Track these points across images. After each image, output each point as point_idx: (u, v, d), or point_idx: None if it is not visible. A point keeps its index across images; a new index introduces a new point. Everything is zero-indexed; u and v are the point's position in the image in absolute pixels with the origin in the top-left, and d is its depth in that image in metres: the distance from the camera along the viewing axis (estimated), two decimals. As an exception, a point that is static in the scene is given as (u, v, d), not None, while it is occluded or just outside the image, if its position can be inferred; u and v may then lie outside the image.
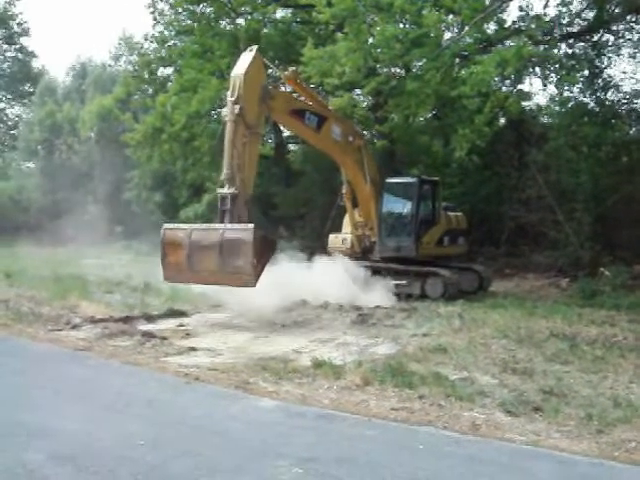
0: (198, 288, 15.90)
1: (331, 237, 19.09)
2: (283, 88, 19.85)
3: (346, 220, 18.81)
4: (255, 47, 14.38)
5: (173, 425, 6.82)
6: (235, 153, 13.36)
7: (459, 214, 19.26)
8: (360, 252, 18.17)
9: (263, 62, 14.92)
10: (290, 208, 29.00)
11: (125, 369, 9.40)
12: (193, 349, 10.52)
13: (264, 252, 12.76)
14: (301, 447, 6.10)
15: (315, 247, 18.85)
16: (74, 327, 12.30)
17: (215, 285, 13.47)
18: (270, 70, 15.72)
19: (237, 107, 13.35)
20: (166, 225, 13.89)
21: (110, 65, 51.60)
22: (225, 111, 13.76)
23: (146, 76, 30.26)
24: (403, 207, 18.09)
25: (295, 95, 17.27)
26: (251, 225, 12.60)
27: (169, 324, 12.84)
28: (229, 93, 13.73)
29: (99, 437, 6.34)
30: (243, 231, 12.53)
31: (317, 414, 7.16)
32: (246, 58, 14.07)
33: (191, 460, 5.75)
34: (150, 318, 13.21)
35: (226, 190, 13.22)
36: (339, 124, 16.81)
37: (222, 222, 13.13)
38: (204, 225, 13.59)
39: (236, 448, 6.08)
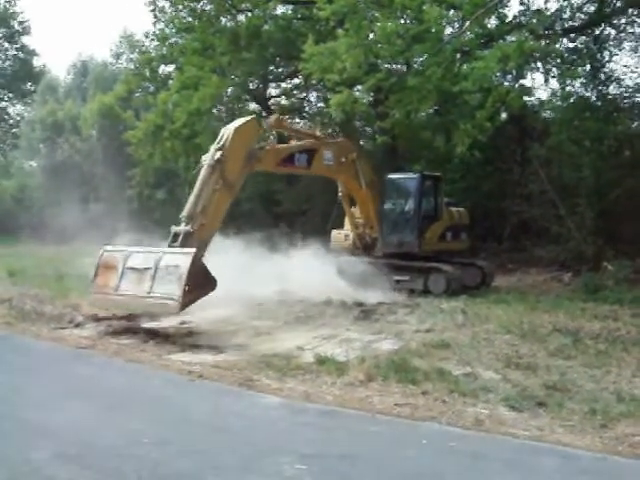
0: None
1: (334, 233, 19.12)
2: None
3: (347, 217, 18.84)
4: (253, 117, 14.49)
5: (177, 422, 6.83)
6: (203, 196, 12.76)
7: (461, 209, 19.26)
8: (362, 248, 18.21)
9: (258, 126, 14.81)
10: (292, 205, 29.02)
11: (128, 367, 9.42)
12: (196, 346, 10.54)
13: (200, 284, 11.41)
14: (305, 444, 6.11)
15: (317, 244, 18.80)
16: (77, 325, 12.36)
17: (136, 311, 12.87)
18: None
19: (218, 153, 13.01)
20: (106, 247, 13.04)
21: (111, 63, 51.76)
22: (205, 157, 13.32)
23: (147, 74, 30.23)
24: (405, 203, 18.09)
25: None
26: (192, 250, 11.57)
27: (172, 322, 12.82)
28: (215, 142, 13.44)
29: (103, 435, 6.36)
30: (182, 255, 11.55)
31: (320, 411, 7.17)
32: (242, 119, 14.19)
33: (195, 457, 5.77)
34: (153, 316, 13.20)
35: (181, 227, 12.42)
36: (329, 149, 16.72)
37: None
38: (146, 248, 12.50)
39: (240, 445, 6.09)
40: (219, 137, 13.52)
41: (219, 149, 13.13)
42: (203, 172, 13.03)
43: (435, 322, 12.37)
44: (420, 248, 17.40)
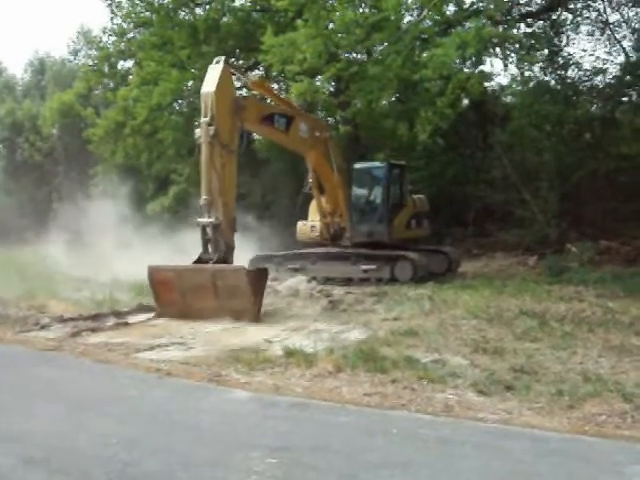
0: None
1: (299, 225, 19.08)
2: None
3: (312, 207, 18.79)
4: (222, 59, 13.72)
5: (146, 422, 6.77)
6: (215, 176, 12.93)
7: (421, 196, 19.44)
8: (329, 239, 18.21)
9: (231, 74, 14.43)
10: (257, 197, 28.92)
11: (96, 367, 9.30)
12: (164, 344, 10.45)
13: (259, 285, 12.57)
14: (275, 437, 6.08)
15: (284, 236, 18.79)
16: (43, 327, 12.15)
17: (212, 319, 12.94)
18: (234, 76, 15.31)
19: (212, 129, 12.89)
20: (150, 265, 13.26)
21: (69, 60, 50.91)
22: (199, 132, 13.25)
23: (106, 70, 29.93)
24: (374, 192, 18.19)
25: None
26: (243, 267, 12.69)
27: (139, 319, 12.73)
28: (202, 113, 13.25)
29: (71, 438, 6.27)
30: (235, 273, 12.49)
31: (290, 403, 7.15)
32: (214, 73, 13.44)
33: (165, 456, 5.71)
34: (120, 314, 13.08)
35: (206, 219, 12.91)
36: (305, 120, 16.72)
37: (206, 251, 13.04)
38: (191, 266, 12.99)
39: (210, 441, 6.05)
40: (203, 107, 13.22)
41: (209, 124, 12.95)
42: (204, 152, 13.03)
43: (402, 310, 12.41)
44: (390, 237, 17.50)
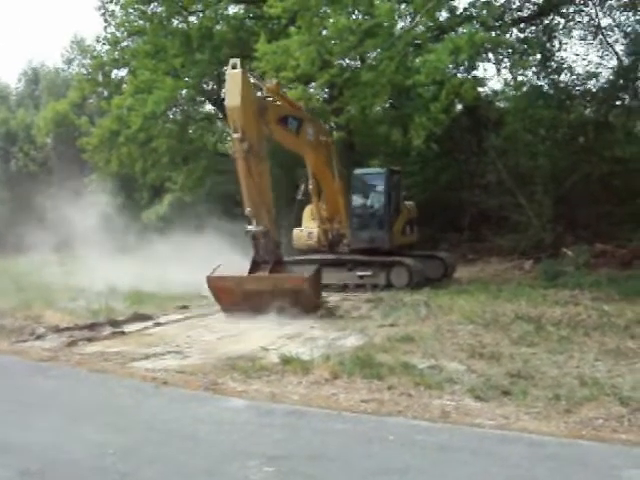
0: (164, 291, 15.93)
1: (295, 232, 19.00)
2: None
3: (306, 214, 18.78)
4: (238, 62, 13.63)
5: (143, 431, 6.76)
6: (254, 188, 13.49)
7: (412, 202, 19.43)
8: (327, 245, 18.18)
9: (248, 77, 14.24)
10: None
11: (92, 377, 9.27)
12: (160, 352, 10.42)
13: (318, 285, 14.03)
14: (272, 445, 6.07)
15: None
16: (39, 337, 12.07)
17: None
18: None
19: (245, 144, 13.13)
20: (209, 276, 14.08)
21: (63, 69, 50.85)
22: (232, 148, 13.74)
23: (100, 79, 29.92)
24: (374, 198, 18.16)
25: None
26: (306, 275, 13.49)
27: (135, 328, 12.70)
28: (231, 129, 13.53)
29: (68, 449, 6.25)
30: (298, 281, 13.48)
31: (287, 411, 7.14)
32: (235, 83, 13.33)
33: (162, 466, 5.70)
34: (116, 323, 13.04)
35: (254, 228, 13.54)
36: (311, 124, 16.72)
37: (258, 255, 13.83)
38: (252, 276, 13.84)
39: (206, 451, 6.04)
40: (231, 123, 13.40)
41: (241, 140, 13.17)
42: (241, 166, 13.44)
43: (399, 316, 12.43)
44: (391, 243, 17.53)
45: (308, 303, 13.26)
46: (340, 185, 17.57)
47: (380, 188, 18.02)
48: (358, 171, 18.63)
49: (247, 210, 13.58)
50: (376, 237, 17.57)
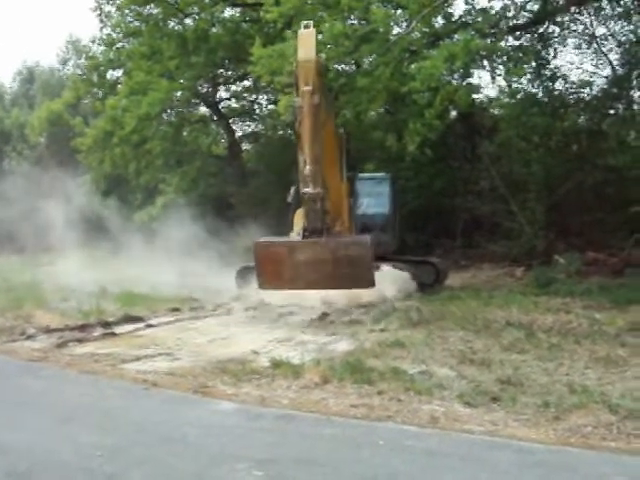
0: (155, 293, 15.88)
1: (292, 236, 18.93)
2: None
3: (297, 217, 18.69)
4: (311, 23, 13.09)
5: (131, 433, 6.73)
6: (319, 146, 12.59)
7: None
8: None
9: None
10: (245, 208, 28.88)
11: (82, 378, 9.23)
12: (151, 354, 10.40)
13: (373, 255, 13.30)
14: (261, 449, 6.06)
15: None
16: (29, 337, 12.03)
17: (324, 289, 13.64)
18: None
19: (316, 97, 12.32)
20: (258, 240, 13.58)
21: (58, 69, 50.78)
22: (299, 101, 12.54)
23: (95, 79, 29.93)
24: (379, 203, 18.20)
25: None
26: (367, 238, 13.31)
27: (126, 330, 12.67)
28: (301, 81, 12.48)
29: (56, 450, 6.22)
30: (360, 246, 12.97)
31: (276, 415, 7.12)
32: (310, 39, 12.77)
33: (150, 468, 5.68)
34: (106, 324, 12.99)
35: (312, 190, 12.49)
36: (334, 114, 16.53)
37: (310, 222, 12.94)
38: (308, 240, 12.93)
39: (195, 454, 6.02)
40: (302, 75, 12.47)
41: (312, 92, 12.33)
42: (309, 122, 12.49)
43: (390, 321, 12.37)
44: (396, 247, 17.61)
45: (369, 275, 12.75)
46: (346, 187, 17.45)
47: (385, 193, 18.14)
48: (363, 176, 18.78)
49: (307, 169, 12.43)
50: (381, 241, 17.48)
